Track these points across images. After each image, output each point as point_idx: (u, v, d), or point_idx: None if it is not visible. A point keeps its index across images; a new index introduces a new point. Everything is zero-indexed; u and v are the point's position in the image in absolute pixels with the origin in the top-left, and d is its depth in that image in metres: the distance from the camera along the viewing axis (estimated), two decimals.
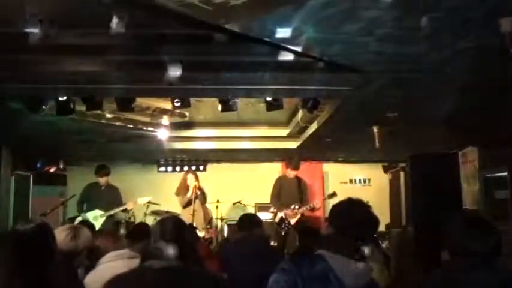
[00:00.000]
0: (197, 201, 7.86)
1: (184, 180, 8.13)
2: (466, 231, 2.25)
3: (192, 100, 5.65)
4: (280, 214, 7.84)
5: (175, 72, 3.97)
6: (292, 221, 7.78)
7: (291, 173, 8.07)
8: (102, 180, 8.31)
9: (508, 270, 2.24)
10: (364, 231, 2.22)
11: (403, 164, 9.37)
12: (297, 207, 7.78)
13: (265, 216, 8.28)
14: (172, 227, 2.29)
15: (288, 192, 7.97)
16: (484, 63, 3.95)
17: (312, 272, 2.09)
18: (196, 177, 8.09)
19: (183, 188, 8.06)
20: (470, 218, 2.40)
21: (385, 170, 10.64)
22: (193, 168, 10.24)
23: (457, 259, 2.22)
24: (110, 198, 8.24)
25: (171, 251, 2.06)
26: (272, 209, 8.19)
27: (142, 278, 2.18)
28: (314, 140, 7.76)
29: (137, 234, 3.79)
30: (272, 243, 7.43)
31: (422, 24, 2.92)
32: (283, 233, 7.72)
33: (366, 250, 2.13)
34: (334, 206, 2.43)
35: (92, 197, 8.21)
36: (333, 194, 8.18)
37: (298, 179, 8.11)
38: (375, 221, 2.32)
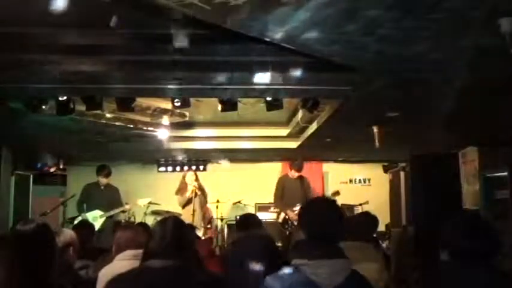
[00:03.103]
0: (197, 200, 7.86)
1: (183, 178, 8.14)
2: (465, 231, 2.25)
3: (192, 100, 5.65)
4: (283, 214, 7.81)
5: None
6: (295, 221, 7.76)
7: (295, 174, 8.05)
8: (103, 180, 8.31)
9: (507, 270, 2.24)
10: (329, 230, 2.23)
11: (403, 164, 9.37)
12: (299, 205, 7.73)
13: (266, 216, 8.28)
14: (173, 227, 2.29)
15: (291, 192, 7.95)
16: (484, 63, 3.95)
17: (292, 285, 2.11)
18: (196, 177, 8.09)
19: (181, 187, 8.07)
20: (470, 218, 2.40)
21: (385, 170, 10.63)
22: (194, 168, 10.24)
23: (456, 259, 2.22)
24: (109, 198, 8.25)
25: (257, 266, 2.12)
26: (272, 209, 8.18)
27: (143, 277, 2.18)
28: (314, 140, 7.75)
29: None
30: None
31: None
32: (287, 233, 7.70)
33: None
34: (300, 209, 2.44)
35: (91, 197, 8.21)
36: (337, 193, 8.18)
37: (301, 179, 8.09)
38: (338, 217, 2.31)
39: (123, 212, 8.42)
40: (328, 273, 2.11)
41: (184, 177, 8.16)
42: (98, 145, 8.32)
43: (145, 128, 7.16)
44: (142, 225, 4.92)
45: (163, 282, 2.16)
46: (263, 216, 7.90)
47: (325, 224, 2.23)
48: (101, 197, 8.20)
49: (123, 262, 3.05)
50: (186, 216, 7.62)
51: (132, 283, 2.19)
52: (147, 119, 7.01)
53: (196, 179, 8.03)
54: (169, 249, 2.20)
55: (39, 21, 3.52)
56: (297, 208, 7.66)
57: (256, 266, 2.62)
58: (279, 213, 7.91)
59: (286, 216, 7.74)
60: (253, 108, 6.50)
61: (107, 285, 2.24)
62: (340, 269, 2.15)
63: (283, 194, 7.99)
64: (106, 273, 2.99)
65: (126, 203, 8.39)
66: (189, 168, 10.10)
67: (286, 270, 2.18)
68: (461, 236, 2.23)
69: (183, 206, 8.01)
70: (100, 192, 8.27)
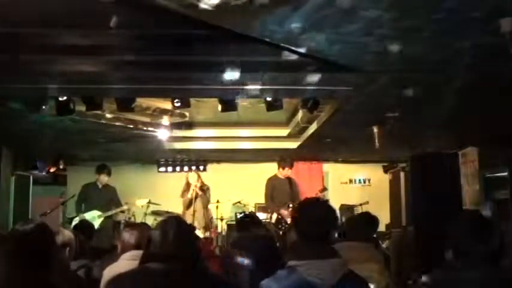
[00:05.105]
0: (198, 201, 7.85)
1: (186, 179, 8.13)
2: (468, 231, 2.25)
3: (192, 100, 5.65)
4: (275, 214, 7.80)
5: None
6: (288, 220, 7.74)
7: (286, 173, 8.03)
8: (102, 179, 8.31)
9: (509, 270, 2.24)
10: (323, 231, 2.24)
11: (403, 164, 9.37)
12: (291, 205, 7.72)
13: (262, 216, 8.26)
14: (174, 227, 2.28)
15: (281, 191, 7.94)
16: (484, 63, 3.95)
17: (288, 286, 2.12)
18: (199, 176, 8.08)
19: (185, 189, 8.06)
20: (475, 218, 2.40)
21: (385, 170, 10.64)
22: (193, 168, 10.23)
23: (459, 259, 2.22)
24: (107, 198, 8.25)
25: None
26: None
27: (142, 279, 2.18)
28: (314, 140, 7.75)
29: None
30: None
31: None
32: (281, 233, 7.68)
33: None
34: (294, 210, 2.46)
35: (89, 198, 8.21)
36: (324, 189, 8.24)
37: (289, 178, 8.09)
38: (332, 217, 2.33)
39: (122, 212, 8.42)
40: (324, 273, 2.11)
41: (187, 178, 8.15)
42: (98, 145, 8.32)
43: (145, 128, 7.16)
44: (146, 225, 4.93)
45: (165, 284, 2.15)
46: (263, 216, 7.88)
47: (319, 224, 2.24)
48: (98, 197, 8.20)
49: (129, 262, 3.04)
50: (187, 216, 7.61)
51: (131, 284, 2.18)
52: (147, 119, 7.01)
53: (199, 179, 8.02)
54: (171, 251, 2.19)
55: (39, 21, 3.52)
56: (290, 205, 7.65)
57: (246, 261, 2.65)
58: (271, 214, 7.90)
59: (279, 216, 7.72)
60: (253, 108, 6.50)
61: (107, 285, 2.24)
62: (335, 269, 2.15)
63: (273, 193, 7.97)
64: (111, 272, 2.99)
65: (126, 203, 8.39)
66: (189, 169, 10.09)
67: (283, 271, 2.19)
68: (466, 235, 2.23)
69: (187, 208, 7.99)
70: (98, 192, 8.26)
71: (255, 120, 7.77)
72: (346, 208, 9.60)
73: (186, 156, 10.28)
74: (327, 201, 2.55)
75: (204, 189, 8.05)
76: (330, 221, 2.30)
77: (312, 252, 2.17)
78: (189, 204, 7.90)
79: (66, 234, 3.52)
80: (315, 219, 2.26)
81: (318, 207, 2.37)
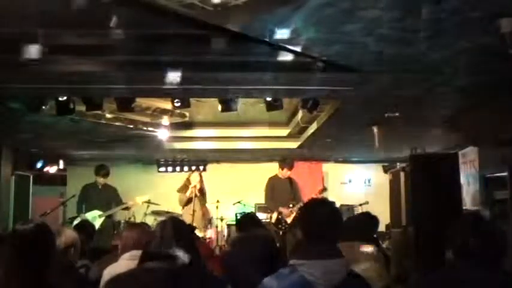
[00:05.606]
0: (196, 200, 7.85)
1: (188, 177, 8.13)
2: (468, 232, 2.25)
3: (192, 100, 5.65)
4: (275, 214, 7.80)
5: (175, 77, 3.98)
6: (288, 220, 7.74)
7: (286, 174, 8.04)
8: (100, 180, 8.31)
9: (509, 271, 2.24)
10: (327, 231, 2.25)
11: (403, 164, 9.36)
12: (291, 205, 7.73)
13: (262, 216, 8.27)
14: (172, 228, 2.29)
15: (281, 191, 7.94)
16: (484, 63, 3.95)
17: (289, 285, 2.12)
18: (201, 178, 8.08)
19: (184, 186, 8.06)
20: (473, 219, 2.40)
21: (385, 170, 10.62)
22: (193, 168, 10.24)
23: (459, 259, 2.22)
24: (107, 198, 8.25)
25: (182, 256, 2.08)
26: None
27: (141, 278, 2.18)
28: (314, 140, 7.76)
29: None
30: None
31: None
32: (281, 233, 7.69)
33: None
34: (299, 209, 2.46)
35: (90, 198, 8.20)
36: (324, 189, 8.27)
37: (290, 178, 8.10)
38: (336, 218, 2.35)
39: (127, 208, 8.41)
40: (325, 273, 2.11)
41: (189, 177, 8.16)
42: (98, 145, 8.32)
43: (145, 128, 7.16)
44: (146, 225, 4.94)
45: (164, 283, 2.16)
46: (263, 216, 7.88)
47: (323, 224, 2.24)
48: (99, 197, 8.19)
49: (129, 262, 3.04)
50: (186, 216, 7.62)
51: (130, 284, 2.18)
52: (147, 119, 7.01)
53: (200, 180, 8.02)
54: (169, 250, 2.20)
55: (39, 21, 3.52)
56: (291, 205, 7.66)
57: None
58: (271, 214, 7.90)
59: (279, 216, 7.72)
60: (253, 108, 6.50)
61: (106, 285, 2.24)
62: (337, 269, 2.15)
63: (274, 193, 7.97)
64: (111, 272, 2.99)
65: (126, 203, 8.39)
66: (189, 169, 10.10)
67: (284, 269, 2.19)
68: (467, 236, 2.23)
69: (184, 206, 7.99)
70: (98, 192, 8.26)
71: (255, 120, 7.77)
72: (346, 208, 9.61)
73: (186, 156, 10.28)
74: (332, 202, 2.55)
75: (203, 192, 8.06)
76: (333, 221, 2.31)
77: (314, 252, 2.17)
78: (187, 202, 7.90)
79: (70, 234, 3.51)
80: (319, 219, 2.26)
81: (322, 207, 2.38)
